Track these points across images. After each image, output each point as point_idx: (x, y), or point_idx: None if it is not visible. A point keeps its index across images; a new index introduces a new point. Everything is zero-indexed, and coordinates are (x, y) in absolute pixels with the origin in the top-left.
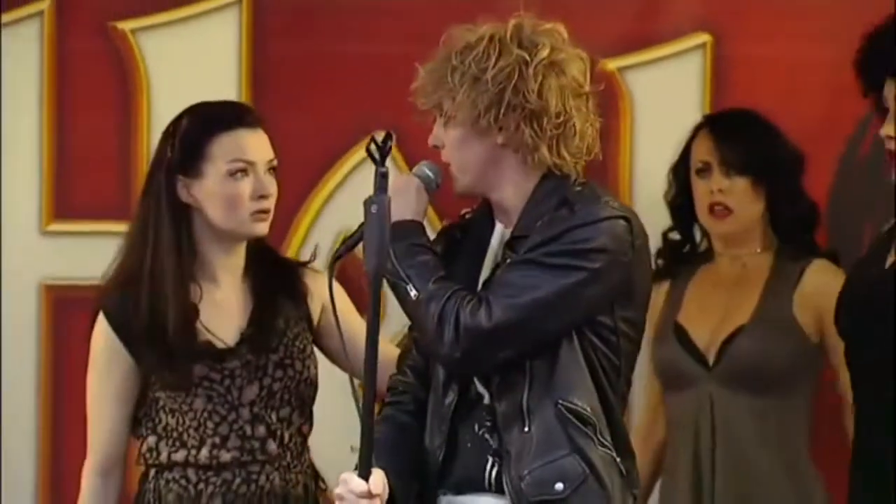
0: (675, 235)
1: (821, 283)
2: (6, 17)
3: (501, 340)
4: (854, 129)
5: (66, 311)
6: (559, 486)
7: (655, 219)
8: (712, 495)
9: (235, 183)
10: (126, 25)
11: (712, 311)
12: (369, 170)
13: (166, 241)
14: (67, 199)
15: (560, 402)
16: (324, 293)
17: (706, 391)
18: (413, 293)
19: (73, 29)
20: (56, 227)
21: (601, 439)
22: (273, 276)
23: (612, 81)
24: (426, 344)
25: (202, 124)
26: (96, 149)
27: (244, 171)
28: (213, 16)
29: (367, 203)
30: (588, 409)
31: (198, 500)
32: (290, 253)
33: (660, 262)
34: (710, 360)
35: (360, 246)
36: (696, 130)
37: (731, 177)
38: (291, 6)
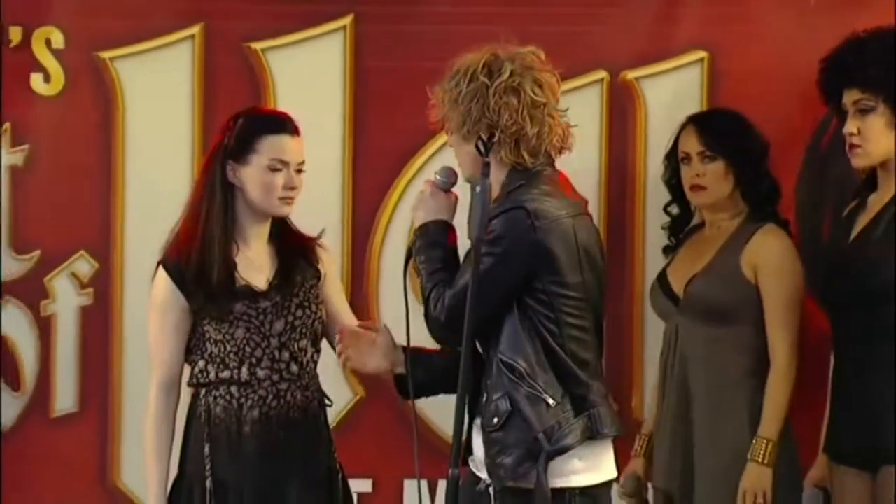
0: (674, 208)
1: (763, 242)
2: (170, 38)
3: (453, 324)
4: (816, 127)
5: None
6: (495, 420)
7: (666, 196)
8: (669, 409)
9: (272, 175)
10: (258, 46)
11: (689, 263)
12: (438, 160)
13: (216, 210)
14: None
15: (499, 356)
16: (328, 263)
17: (674, 322)
18: (422, 283)
19: (217, 48)
20: None
21: (530, 381)
22: (293, 244)
23: (630, 88)
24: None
25: (256, 125)
26: None
27: (280, 168)
28: (324, 38)
29: (473, 185)
30: (519, 360)
31: (240, 412)
32: (383, 222)
33: (671, 238)
34: (680, 298)
35: None
36: (682, 127)
37: (706, 163)
38: (383, 33)
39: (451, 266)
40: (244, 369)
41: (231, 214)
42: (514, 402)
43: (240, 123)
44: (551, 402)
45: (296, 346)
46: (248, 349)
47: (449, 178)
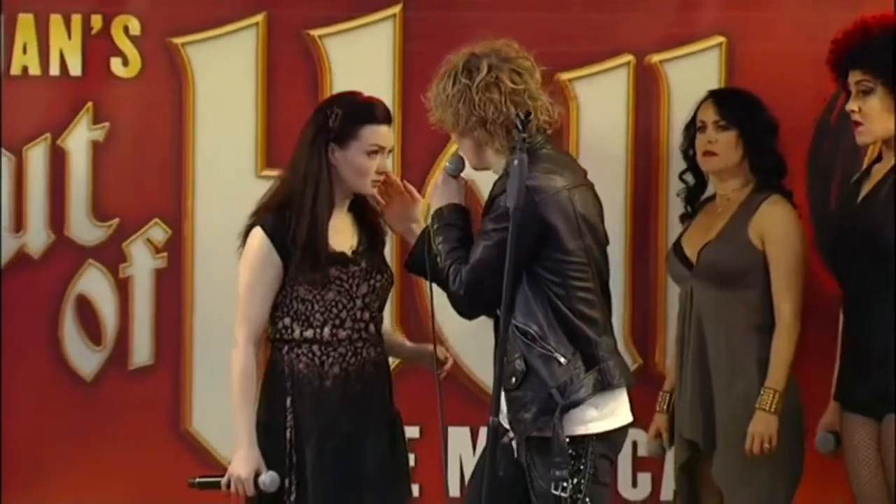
0: (689, 177)
1: (768, 211)
2: (236, 25)
3: (472, 297)
4: (825, 105)
5: None
6: (513, 380)
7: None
8: (688, 365)
9: (368, 160)
10: (315, 32)
11: (701, 232)
12: None
13: (323, 191)
14: (274, 153)
15: (514, 322)
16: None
17: (689, 285)
18: (441, 262)
19: (278, 35)
20: (267, 172)
21: (542, 343)
22: (368, 213)
23: (654, 71)
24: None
25: (358, 114)
26: (295, 118)
27: (376, 154)
28: (376, 25)
29: (510, 160)
30: (531, 324)
31: (322, 368)
32: (428, 195)
33: (686, 207)
34: (693, 263)
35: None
36: (702, 101)
37: (719, 132)
38: (428, 20)
39: (466, 244)
40: (326, 329)
41: (333, 193)
42: (528, 362)
43: (343, 110)
44: (562, 360)
45: (374, 307)
46: (335, 310)
47: (458, 165)
